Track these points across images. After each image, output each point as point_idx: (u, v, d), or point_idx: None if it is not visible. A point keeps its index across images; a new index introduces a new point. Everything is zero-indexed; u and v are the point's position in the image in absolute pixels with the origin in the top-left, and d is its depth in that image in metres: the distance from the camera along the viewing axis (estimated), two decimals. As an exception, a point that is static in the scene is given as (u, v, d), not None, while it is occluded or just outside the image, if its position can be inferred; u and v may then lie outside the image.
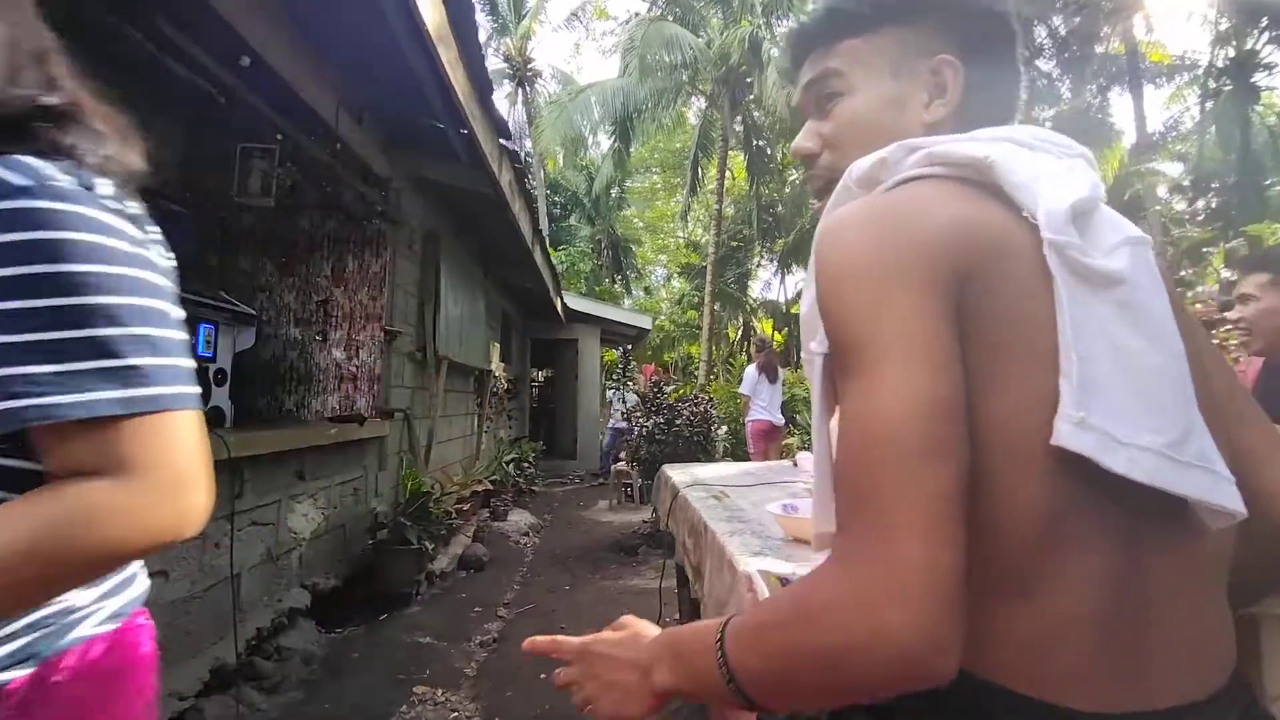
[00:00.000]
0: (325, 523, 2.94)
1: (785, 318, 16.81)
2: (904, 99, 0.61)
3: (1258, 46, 10.28)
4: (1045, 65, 12.77)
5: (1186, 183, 13.39)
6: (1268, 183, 11.04)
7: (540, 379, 12.82)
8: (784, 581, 0.99)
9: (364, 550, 3.16)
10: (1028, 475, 0.44)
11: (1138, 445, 0.44)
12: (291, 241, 3.66)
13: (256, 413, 3.51)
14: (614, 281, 20.42)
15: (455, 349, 4.61)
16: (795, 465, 2.40)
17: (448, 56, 2.42)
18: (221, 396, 2.97)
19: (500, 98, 22.23)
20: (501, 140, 3.71)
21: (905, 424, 0.41)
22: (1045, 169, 0.52)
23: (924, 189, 0.52)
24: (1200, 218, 12.21)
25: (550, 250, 16.13)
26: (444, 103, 2.84)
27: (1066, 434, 0.43)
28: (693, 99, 14.50)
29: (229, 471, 2.16)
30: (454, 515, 3.78)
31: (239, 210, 3.44)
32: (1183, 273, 8.13)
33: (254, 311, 3.33)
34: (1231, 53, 10.63)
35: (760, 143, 13.89)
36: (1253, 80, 10.44)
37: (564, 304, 8.65)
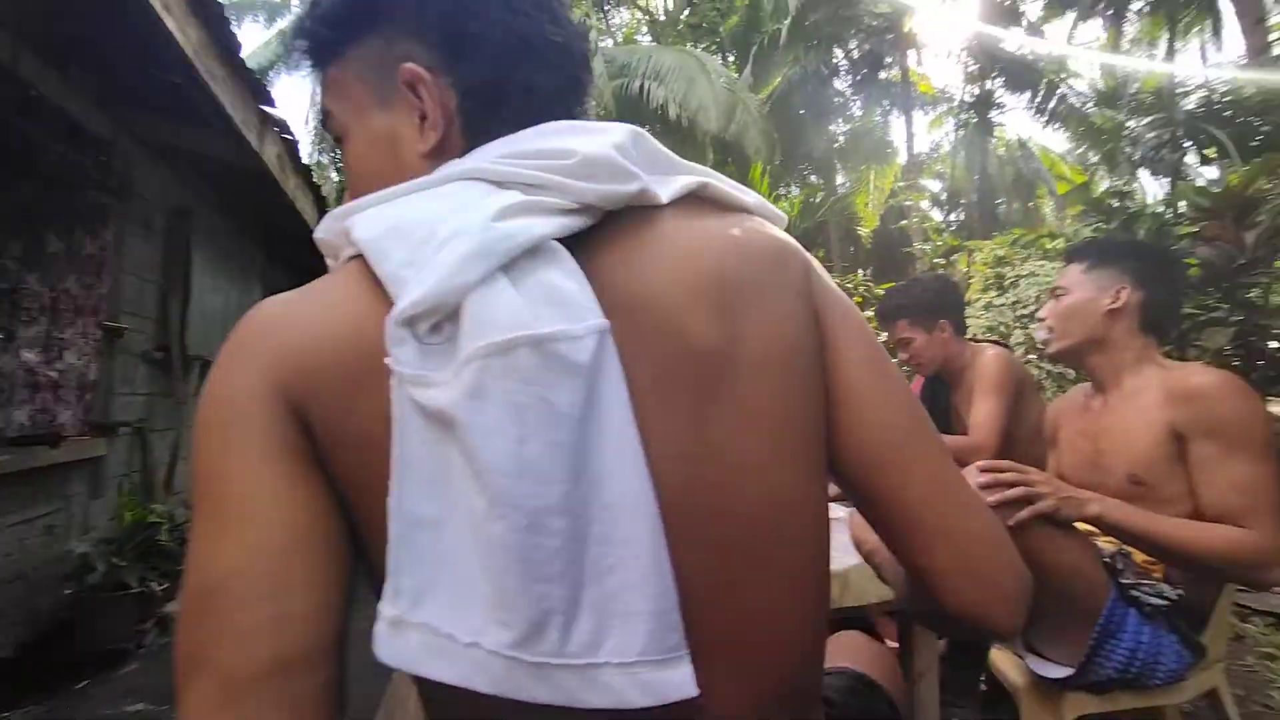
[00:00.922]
0: (-2, 576, 2.32)
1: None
2: (395, 132, 0.48)
3: (993, 88, 12.37)
4: (841, 84, 14.27)
5: (944, 198, 15.87)
6: (998, 202, 13.46)
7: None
8: None
9: (59, 602, 2.55)
10: None
11: (484, 647, 0.33)
12: (-41, 212, 2.83)
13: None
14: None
15: (215, 346, 3.94)
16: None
17: None
18: None
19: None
20: (264, 107, 3.19)
21: (186, 607, 0.36)
22: (450, 237, 0.38)
23: (317, 286, 0.43)
24: (953, 228, 14.52)
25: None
26: (173, 56, 2.34)
27: (381, 640, 0.34)
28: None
29: None
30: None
31: None
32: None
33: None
34: (977, 90, 12.68)
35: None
36: (989, 116, 12.56)
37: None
